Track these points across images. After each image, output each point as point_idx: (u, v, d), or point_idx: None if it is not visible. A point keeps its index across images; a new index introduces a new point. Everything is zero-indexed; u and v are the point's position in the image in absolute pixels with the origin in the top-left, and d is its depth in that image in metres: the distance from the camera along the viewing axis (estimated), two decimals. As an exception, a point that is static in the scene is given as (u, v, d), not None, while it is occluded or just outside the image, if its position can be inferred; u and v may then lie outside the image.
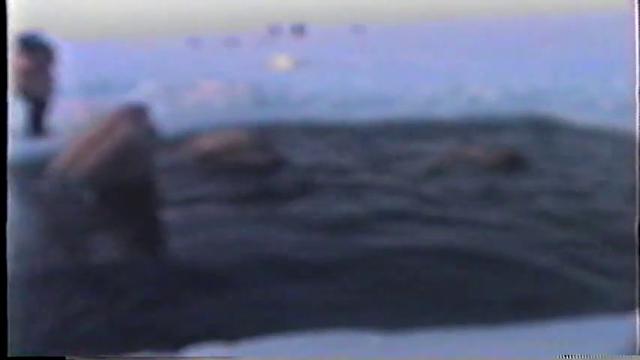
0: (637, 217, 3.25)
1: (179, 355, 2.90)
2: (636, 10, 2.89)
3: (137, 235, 5.07)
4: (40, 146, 7.23)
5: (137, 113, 6.47)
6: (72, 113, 8.63)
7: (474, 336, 2.93)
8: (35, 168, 6.30)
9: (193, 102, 10.96)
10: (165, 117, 8.90)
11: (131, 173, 6.16)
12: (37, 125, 8.05)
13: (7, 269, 2.74)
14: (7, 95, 2.86)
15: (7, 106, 2.88)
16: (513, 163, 6.62)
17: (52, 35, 8.46)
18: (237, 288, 3.76)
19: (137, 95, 11.15)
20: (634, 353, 2.68)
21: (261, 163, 6.88)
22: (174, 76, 14.22)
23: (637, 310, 2.83)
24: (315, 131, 8.76)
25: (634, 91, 3.29)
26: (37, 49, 8.13)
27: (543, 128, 8.48)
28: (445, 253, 4.26)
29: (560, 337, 2.88)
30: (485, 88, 10.84)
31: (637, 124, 3.66)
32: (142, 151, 6.40)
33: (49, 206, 5.65)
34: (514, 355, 2.77)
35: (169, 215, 5.40)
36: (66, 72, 8.73)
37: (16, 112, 7.97)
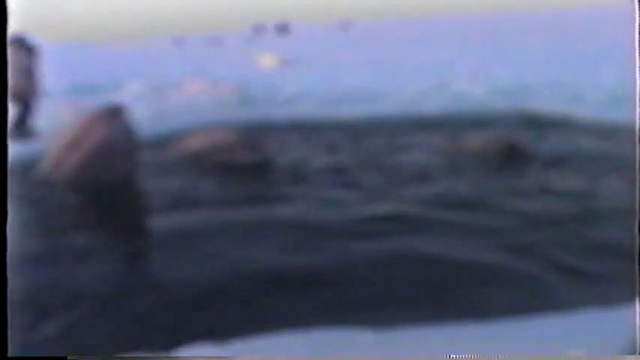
0: (637, 217, 3.24)
1: (175, 355, 2.87)
2: (636, 10, 2.88)
3: (118, 237, 5.02)
4: (26, 148, 7.18)
5: (114, 114, 6.44)
6: (57, 115, 8.57)
7: (467, 332, 2.92)
8: (22, 170, 6.26)
9: (179, 102, 10.90)
10: (151, 117, 8.88)
11: (112, 174, 6.14)
12: (21, 127, 7.98)
13: (6, 269, 2.70)
14: (6, 96, 2.83)
15: (7, 106, 2.84)
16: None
17: (40, 36, 8.42)
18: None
19: (123, 95, 11.10)
20: (634, 353, 2.67)
21: (249, 163, 6.85)
22: (160, 76, 14.17)
23: (637, 310, 2.81)
24: (302, 130, 8.73)
25: (623, 84, 3.28)
26: (22, 51, 8.06)
27: (532, 123, 8.50)
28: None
29: (553, 331, 2.87)
30: (472, 84, 10.87)
31: (637, 124, 3.65)
32: (121, 151, 6.36)
33: (35, 208, 5.60)
34: (507, 350, 2.76)
35: (155, 218, 5.35)
36: (51, 73, 8.68)
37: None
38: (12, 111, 7.95)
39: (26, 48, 8.12)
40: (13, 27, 7.95)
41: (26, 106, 8.08)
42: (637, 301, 2.87)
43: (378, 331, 2.92)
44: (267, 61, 18.59)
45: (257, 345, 2.87)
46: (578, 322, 2.96)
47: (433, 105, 9.70)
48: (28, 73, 8.12)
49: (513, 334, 2.90)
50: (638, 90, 3.26)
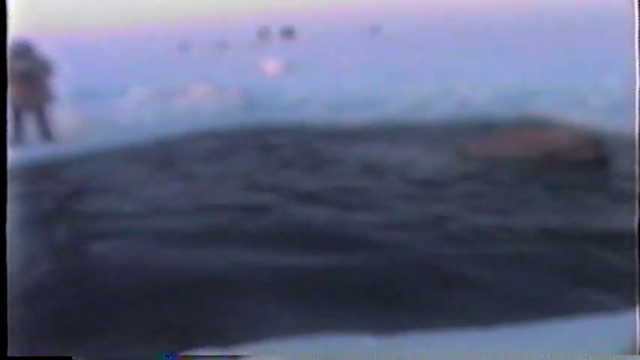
0: (637, 217, 3.25)
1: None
2: (636, 10, 2.90)
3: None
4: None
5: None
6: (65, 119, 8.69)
7: (471, 337, 2.93)
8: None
9: (184, 106, 10.90)
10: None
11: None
12: (44, 132, 8.12)
13: (7, 270, 2.71)
14: (6, 96, 2.86)
15: (7, 106, 2.87)
16: None
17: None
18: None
19: (127, 100, 11.12)
20: (634, 353, 2.68)
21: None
22: (164, 80, 14.17)
23: (637, 310, 2.83)
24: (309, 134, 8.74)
25: (626, 89, 3.30)
26: (33, 57, 8.18)
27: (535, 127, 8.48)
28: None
29: (554, 336, 2.88)
30: (476, 88, 10.85)
31: (636, 125, 3.65)
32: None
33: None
34: (508, 356, 2.77)
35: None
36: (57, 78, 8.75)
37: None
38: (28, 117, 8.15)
39: (37, 55, 8.25)
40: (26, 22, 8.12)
41: (41, 111, 8.23)
42: (637, 302, 2.88)
43: (383, 336, 2.93)
44: (271, 65, 18.54)
45: (258, 349, 2.88)
46: (579, 327, 2.97)
47: (437, 110, 9.71)
48: (41, 80, 8.26)
49: (515, 339, 2.91)
50: (638, 91, 3.27)
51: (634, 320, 2.77)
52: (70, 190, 6.54)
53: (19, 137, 7.96)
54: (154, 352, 2.97)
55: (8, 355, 2.85)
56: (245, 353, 2.86)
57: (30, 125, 8.14)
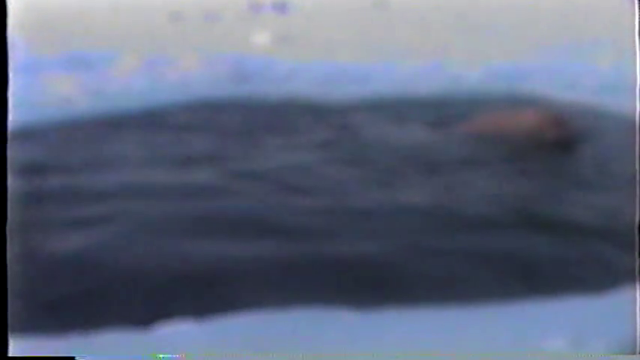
0: (637, 217, 3.24)
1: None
2: (636, 10, 2.86)
3: None
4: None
5: None
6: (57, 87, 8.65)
7: (453, 315, 2.91)
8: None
9: (173, 77, 10.83)
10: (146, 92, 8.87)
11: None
12: None
13: (7, 269, 2.68)
14: (6, 96, 2.81)
15: (7, 106, 2.82)
16: None
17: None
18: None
19: (117, 69, 11.05)
20: (634, 353, 2.67)
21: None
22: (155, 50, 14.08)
23: (637, 309, 2.81)
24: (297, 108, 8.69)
25: (617, 71, 3.29)
26: None
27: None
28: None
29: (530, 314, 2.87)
30: (468, 66, 10.83)
31: (637, 119, 3.64)
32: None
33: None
34: (491, 334, 2.76)
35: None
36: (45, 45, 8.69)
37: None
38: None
39: None
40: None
41: None
42: (637, 300, 2.87)
43: (363, 311, 2.91)
44: (262, 38, 18.44)
45: (234, 321, 2.86)
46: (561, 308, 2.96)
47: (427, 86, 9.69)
48: None
49: (499, 317, 2.89)
50: (638, 85, 3.27)
51: (634, 320, 2.75)
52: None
53: None
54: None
55: (9, 355, 2.82)
56: (217, 325, 2.83)
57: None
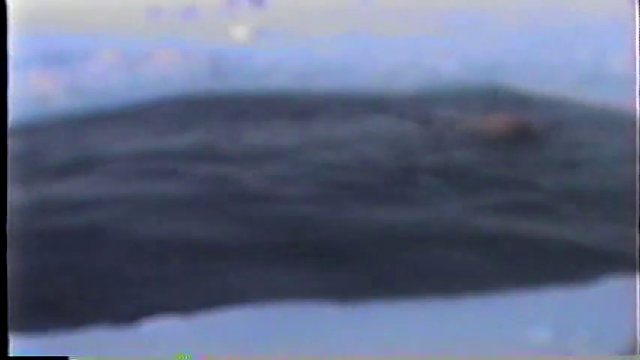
0: (637, 216, 3.27)
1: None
2: (636, 10, 2.88)
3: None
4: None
5: None
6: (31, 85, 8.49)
7: (437, 307, 2.92)
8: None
9: (150, 72, 10.75)
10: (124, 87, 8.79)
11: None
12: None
13: (7, 268, 2.65)
14: (6, 96, 2.78)
15: (7, 106, 2.79)
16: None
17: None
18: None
19: (95, 65, 10.94)
20: (634, 353, 2.69)
21: None
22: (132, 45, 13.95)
23: (637, 309, 2.83)
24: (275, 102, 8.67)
25: (598, 63, 3.31)
26: None
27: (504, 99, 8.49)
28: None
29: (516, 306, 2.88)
30: (445, 60, 10.84)
31: (637, 117, 3.66)
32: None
33: None
34: (476, 326, 2.77)
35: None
36: (20, 42, 8.56)
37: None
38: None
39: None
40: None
41: None
42: (637, 299, 2.89)
43: (344, 304, 2.91)
44: (240, 32, 18.31)
45: (219, 317, 2.86)
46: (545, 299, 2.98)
47: (405, 80, 9.69)
48: None
49: (479, 308, 2.90)
50: (637, 86, 3.29)
51: (634, 320, 2.77)
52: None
53: None
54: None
55: (9, 355, 2.80)
56: (203, 322, 2.83)
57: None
